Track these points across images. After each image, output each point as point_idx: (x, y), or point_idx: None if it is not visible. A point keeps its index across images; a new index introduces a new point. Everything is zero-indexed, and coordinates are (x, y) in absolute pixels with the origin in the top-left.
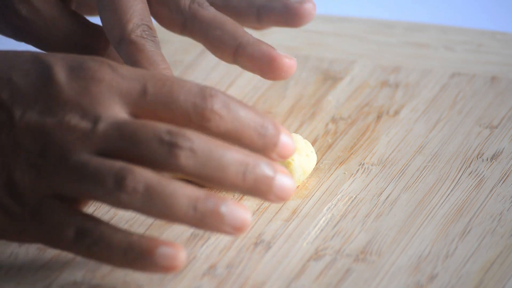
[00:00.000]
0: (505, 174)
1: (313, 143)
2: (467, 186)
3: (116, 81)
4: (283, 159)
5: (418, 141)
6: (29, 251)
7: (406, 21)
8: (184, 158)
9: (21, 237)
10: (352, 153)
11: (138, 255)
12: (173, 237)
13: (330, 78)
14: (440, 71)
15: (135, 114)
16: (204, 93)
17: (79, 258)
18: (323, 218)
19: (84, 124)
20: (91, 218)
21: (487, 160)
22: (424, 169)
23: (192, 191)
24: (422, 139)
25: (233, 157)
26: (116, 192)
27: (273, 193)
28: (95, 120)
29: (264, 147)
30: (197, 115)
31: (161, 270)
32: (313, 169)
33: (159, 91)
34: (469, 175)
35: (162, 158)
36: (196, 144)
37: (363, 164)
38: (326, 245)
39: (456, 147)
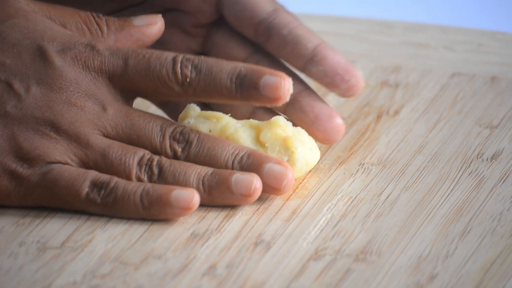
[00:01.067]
0: (505, 174)
1: None
2: (467, 186)
3: (102, 61)
4: (270, 102)
5: (418, 141)
6: (29, 251)
7: (406, 21)
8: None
9: (25, 200)
10: (352, 153)
11: (154, 199)
12: (173, 237)
13: None
14: (440, 71)
15: (117, 86)
16: (176, 59)
17: (79, 258)
18: (323, 218)
19: (93, 107)
20: (102, 173)
21: (487, 160)
22: (424, 169)
23: (201, 168)
24: (422, 139)
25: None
26: (144, 171)
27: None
28: (102, 104)
29: (242, 94)
30: (172, 80)
31: (177, 212)
32: (313, 168)
33: (138, 63)
34: (469, 175)
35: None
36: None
37: (363, 164)
38: (326, 245)
39: (456, 147)
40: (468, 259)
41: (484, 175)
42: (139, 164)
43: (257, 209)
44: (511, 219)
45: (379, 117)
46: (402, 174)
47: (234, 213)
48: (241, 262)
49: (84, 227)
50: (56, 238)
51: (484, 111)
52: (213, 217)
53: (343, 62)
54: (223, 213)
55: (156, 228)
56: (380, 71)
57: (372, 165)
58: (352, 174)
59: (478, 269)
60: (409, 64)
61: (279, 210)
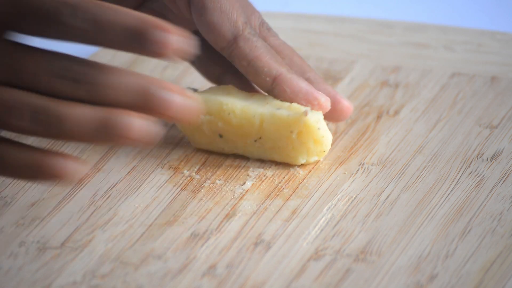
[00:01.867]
0: (505, 174)
1: None
2: (467, 186)
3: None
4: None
5: (418, 141)
6: (29, 251)
7: (406, 21)
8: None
9: None
10: (352, 153)
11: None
12: (173, 237)
13: (330, 78)
14: (440, 71)
15: None
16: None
17: (79, 258)
18: (323, 218)
19: None
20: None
21: (487, 160)
22: (424, 169)
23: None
24: (422, 139)
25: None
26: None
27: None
28: None
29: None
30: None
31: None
32: (313, 168)
33: (89, 10)
34: (469, 175)
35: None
36: None
37: (363, 164)
38: (326, 245)
39: (456, 147)
40: (468, 259)
41: (484, 175)
42: None
43: (257, 209)
44: (511, 219)
45: (379, 117)
46: (402, 174)
47: (234, 213)
48: (241, 262)
49: (84, 227)
50: (56, 238)
51: (484, 111)
52: (213, 217)
53: (304, 91)
54: (223, 213)
55: (156, 228)
56: (380, 71)
57: (372, 165)
58: (352, 174)
59: (478, 269)
60: (409, 64)
61: (279, 210)
